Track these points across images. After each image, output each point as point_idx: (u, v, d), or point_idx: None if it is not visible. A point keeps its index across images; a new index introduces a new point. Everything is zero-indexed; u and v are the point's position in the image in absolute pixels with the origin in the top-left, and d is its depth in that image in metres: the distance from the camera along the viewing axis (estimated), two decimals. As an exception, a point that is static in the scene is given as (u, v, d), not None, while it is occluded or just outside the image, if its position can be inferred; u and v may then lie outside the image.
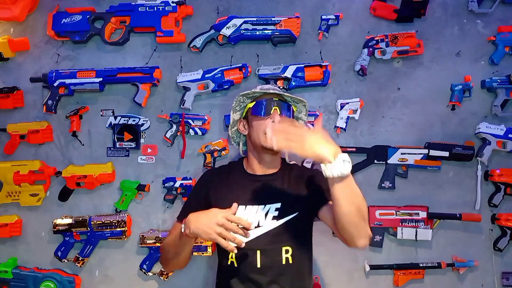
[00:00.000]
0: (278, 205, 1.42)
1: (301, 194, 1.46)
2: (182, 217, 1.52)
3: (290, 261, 1.39)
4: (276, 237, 1.39)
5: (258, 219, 1.40)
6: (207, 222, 1.24)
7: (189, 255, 1.50)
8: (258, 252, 1.38)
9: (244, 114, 1.56)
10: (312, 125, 2.02)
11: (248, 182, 1.49)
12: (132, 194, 2.05)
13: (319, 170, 1.51)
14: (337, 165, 1.13)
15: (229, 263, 1.42)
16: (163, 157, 2.08)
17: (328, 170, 1.15)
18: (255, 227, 1.39)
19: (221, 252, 1.49)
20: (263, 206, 1.42)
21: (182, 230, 1.32)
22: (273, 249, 1.39)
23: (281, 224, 1.40)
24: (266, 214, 1.41)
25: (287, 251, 1.39)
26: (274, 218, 1.40)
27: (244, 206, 1.43)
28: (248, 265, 1.39)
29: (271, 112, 1.43)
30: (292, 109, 1.51)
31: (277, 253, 1.39)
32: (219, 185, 1.52)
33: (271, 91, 1.50)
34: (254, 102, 1.50)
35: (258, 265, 1.38)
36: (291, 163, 1.57)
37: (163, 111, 2.06)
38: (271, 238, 1.38)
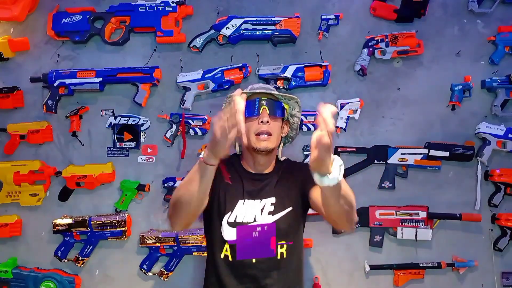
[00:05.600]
0: (273, 199, 1.45)
1: (292, 188, 1.48)
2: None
3: (285, 256, 1.41)
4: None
5: (255, 214, 1.43)
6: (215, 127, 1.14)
7: (203, 198, 1.32)
8: None
9: None
10: (313, 125, 2.02)
11: (245, 178, 1.51)
12: (132, 194, 2.05)
13: (303, 164, 1.57)
14: (333, 175, 1.07)
15: (222, 256, 1.43)
16: (163, 157, 2.07)
17: (326, 181, 1.08)
18: (252, 222, 1.41)
19: (214, 245, 1.47)
20: (259, 200, 1.45)
21: (201, 156, 1.23)
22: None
23: (277, 220, 1.42)
24: (262, 210, 1.43)
25: (281, 246, 1.41)
26: (270, 213, 1.43)
27: (243, 200, 1.45)
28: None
29: (260, 111, 1.43)
30: (283, 107, 1.51)
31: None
32: (218, 182, 1.48)
33: (259, 90, 1.48)
34: None
35: (253, 260, 1.39)
36: (282, 159, 1.59)
37: (163, 111, 2.06)
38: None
